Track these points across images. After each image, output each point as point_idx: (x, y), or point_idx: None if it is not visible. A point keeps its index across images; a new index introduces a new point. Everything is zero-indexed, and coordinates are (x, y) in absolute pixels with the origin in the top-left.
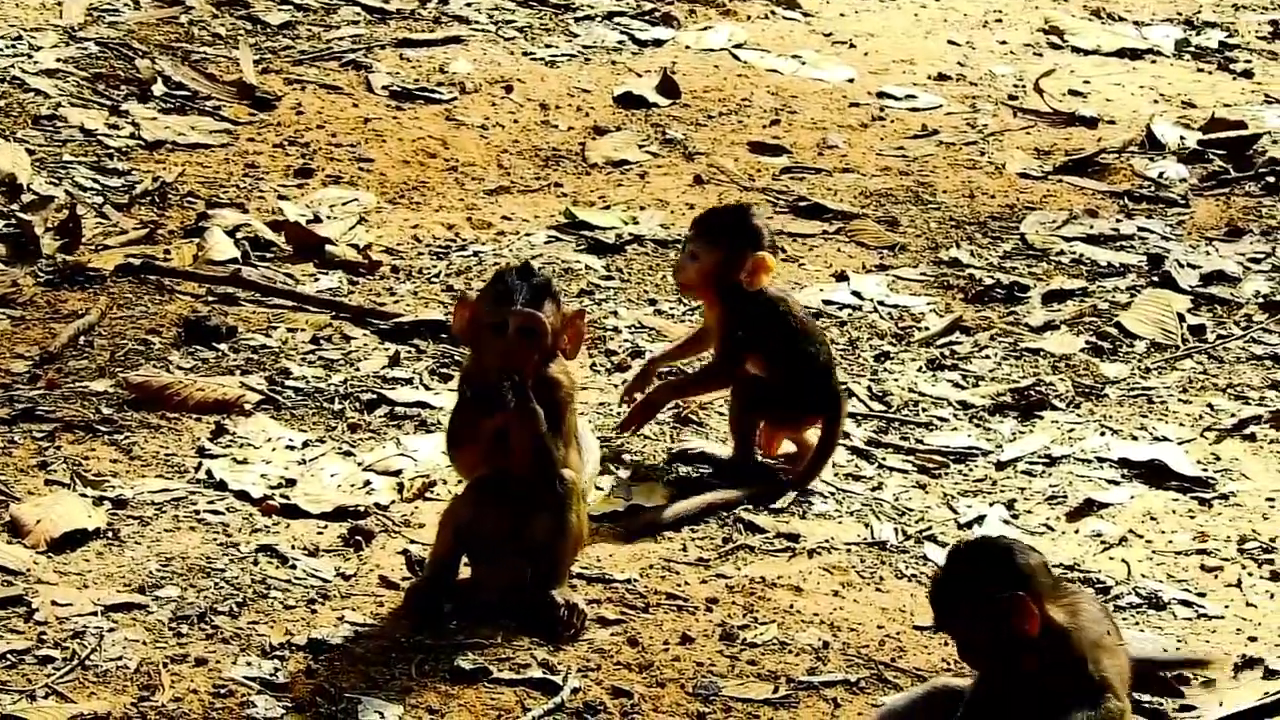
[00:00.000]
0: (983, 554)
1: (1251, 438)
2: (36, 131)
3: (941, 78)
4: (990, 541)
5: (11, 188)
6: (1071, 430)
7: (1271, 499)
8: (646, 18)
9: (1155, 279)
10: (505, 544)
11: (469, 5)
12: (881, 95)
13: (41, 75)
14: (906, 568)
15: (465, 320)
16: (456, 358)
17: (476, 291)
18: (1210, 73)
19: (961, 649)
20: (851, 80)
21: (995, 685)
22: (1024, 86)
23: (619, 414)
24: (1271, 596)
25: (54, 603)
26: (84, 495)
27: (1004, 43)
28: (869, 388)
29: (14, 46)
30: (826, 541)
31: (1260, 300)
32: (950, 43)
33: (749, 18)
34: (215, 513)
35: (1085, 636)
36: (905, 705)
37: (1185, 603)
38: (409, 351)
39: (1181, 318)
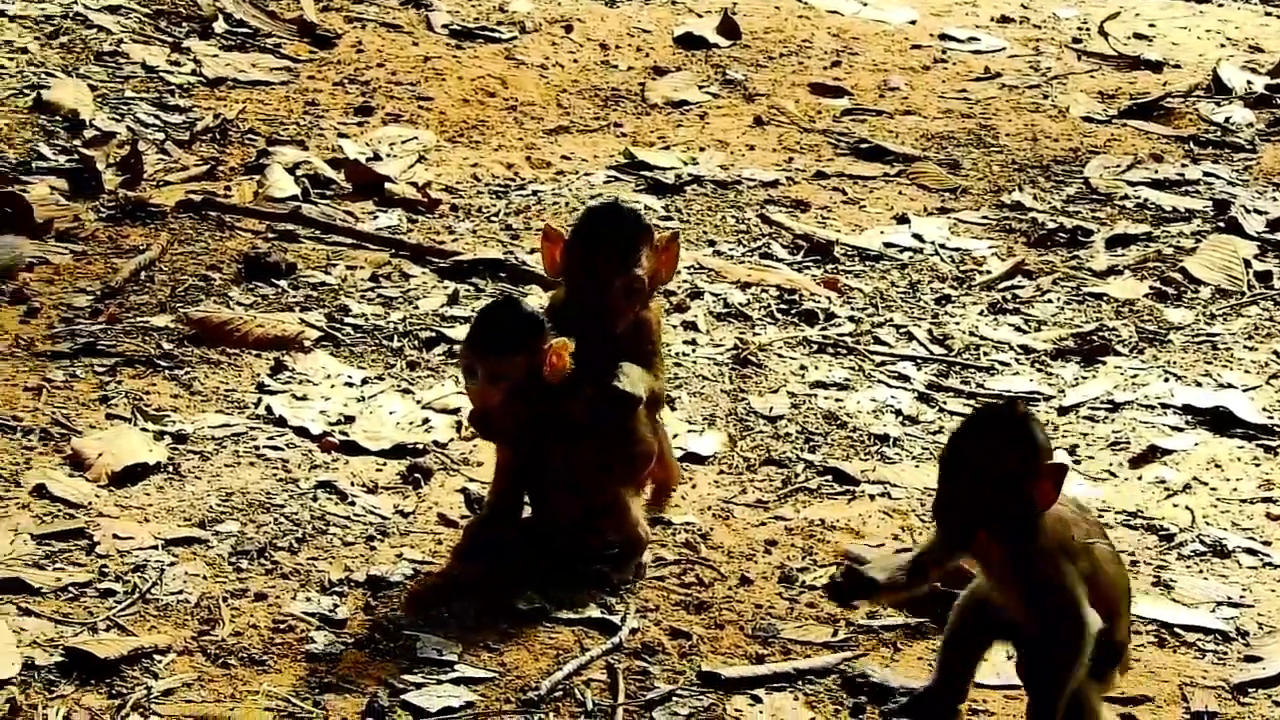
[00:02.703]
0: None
1: None
2: (99, 67)
3: (1004, 20)
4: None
5: (74, 123)
6: (1135, 376)
7: None
8: None
9: (1221, 224)
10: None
11: None
12: (944, 37)
13: (104, 12)
14: None
15: (555, 258)
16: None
17: (564, 228)
18: (1278, 16)
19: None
20: (913, 22)
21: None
22: (1088, 29)
23: (676, 355)
24: None
25: (115, 536)
26: (145, 430)
27: None
28: (930, 331)
29: None
30: (886, 484)
31: None
32: None
33: None
34: (275, 449)
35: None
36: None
37: (1250, 551)
38: (468, 290)
39: (1247, 263)
